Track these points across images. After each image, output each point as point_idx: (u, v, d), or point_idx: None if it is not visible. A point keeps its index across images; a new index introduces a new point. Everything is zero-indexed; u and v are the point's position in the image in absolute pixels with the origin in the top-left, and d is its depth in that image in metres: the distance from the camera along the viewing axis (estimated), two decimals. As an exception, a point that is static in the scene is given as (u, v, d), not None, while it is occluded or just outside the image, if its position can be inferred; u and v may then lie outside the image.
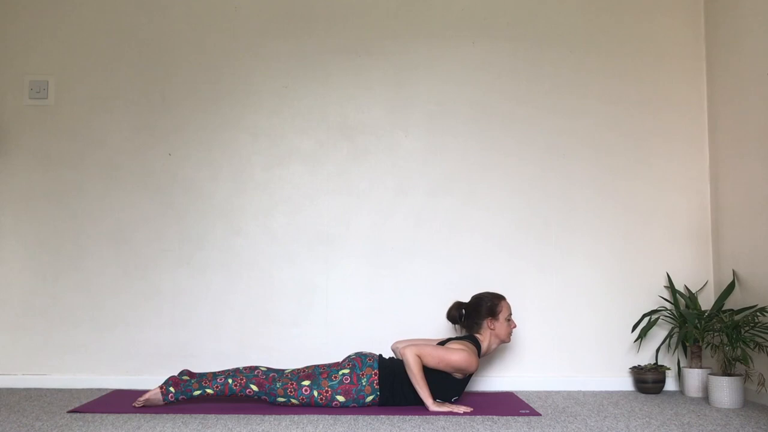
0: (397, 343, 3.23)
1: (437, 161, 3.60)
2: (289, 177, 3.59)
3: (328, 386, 2.92)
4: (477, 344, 3.09)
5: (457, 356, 2.93)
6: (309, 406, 2.94)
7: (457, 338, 3.14)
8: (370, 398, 2.94)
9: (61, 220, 3.56)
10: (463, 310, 3.21)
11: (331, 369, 2.98)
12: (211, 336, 3.51)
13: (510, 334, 3.17)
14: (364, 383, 2.93)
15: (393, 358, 3.09)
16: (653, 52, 3.64)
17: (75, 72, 3.63)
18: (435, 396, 2.96)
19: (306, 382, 2.93)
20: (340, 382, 2.93)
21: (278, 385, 2.92)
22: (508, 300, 3.44)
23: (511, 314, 3.18)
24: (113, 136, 3.61)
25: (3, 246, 3.56)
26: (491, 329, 3.13)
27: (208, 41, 3.65)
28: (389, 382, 2.95)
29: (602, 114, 3.62)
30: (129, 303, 3.52)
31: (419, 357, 2.92)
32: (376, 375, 2.95)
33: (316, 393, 2.92)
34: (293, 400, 2.93)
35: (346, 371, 2.96)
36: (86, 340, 3.51)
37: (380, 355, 3.05)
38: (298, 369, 3.03)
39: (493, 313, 3.14)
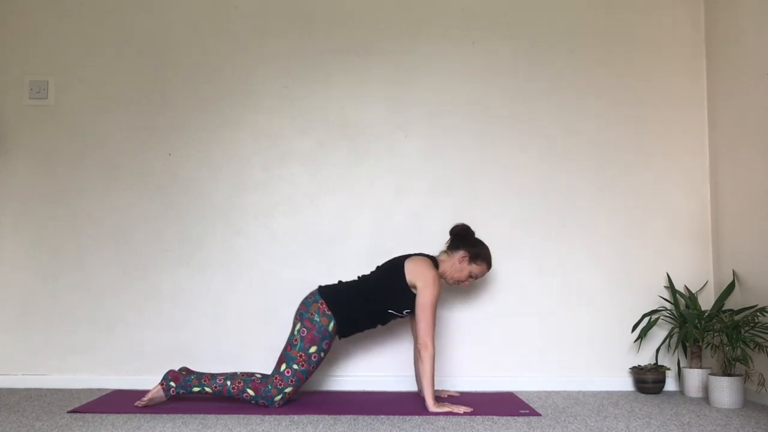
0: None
1: (437, 161, 3.59)
2: (289, 177, 3.59)
3: (298, 351, 2.96)
4: (434, 263, 3.09)
5: (428, 296, 2.94)
6: (303, 383, 2.98)
7: (410, 255, 3.13)
8: (330, 326, 2.98)
9: (61, 220, 3.56)
10: (463, 232, 3.17)
11: (289, 338, 3.01)
12: (211, 336, 3.51)
13: (457, 283, 3.15)
14: (317, 319, 2.97)
15: (335, 283, 3.14)
16: (653, 50, 3.64)
17: (75, 72, 3.63)
18: (392, 306, 3.01)
19: (282, 367, 2.96)
20: (302, 337, 2.96)
21: (269, 386, 2.94)
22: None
23: (477, 278, 3.17)
24: (113, 136, 3.61)
25: (3, 246, 3.56)
26: (458, 263, 3.10)
27: (208, 41, 3.65)
28: (340, 305, 2.99)
29: (602, 114, 3.62)
30: (129, 303, 3.52)
31: (432, 352, 2.91)
32: (322, 304, 2.99)
33: (296, 366, 2.95)
34: (287, 389, 2.95)
35: (299, 325, 3.00)
36: (86, 340, 3.51)
37: (319, 286, 3.10)
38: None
39: (473, 258, 3.11)
